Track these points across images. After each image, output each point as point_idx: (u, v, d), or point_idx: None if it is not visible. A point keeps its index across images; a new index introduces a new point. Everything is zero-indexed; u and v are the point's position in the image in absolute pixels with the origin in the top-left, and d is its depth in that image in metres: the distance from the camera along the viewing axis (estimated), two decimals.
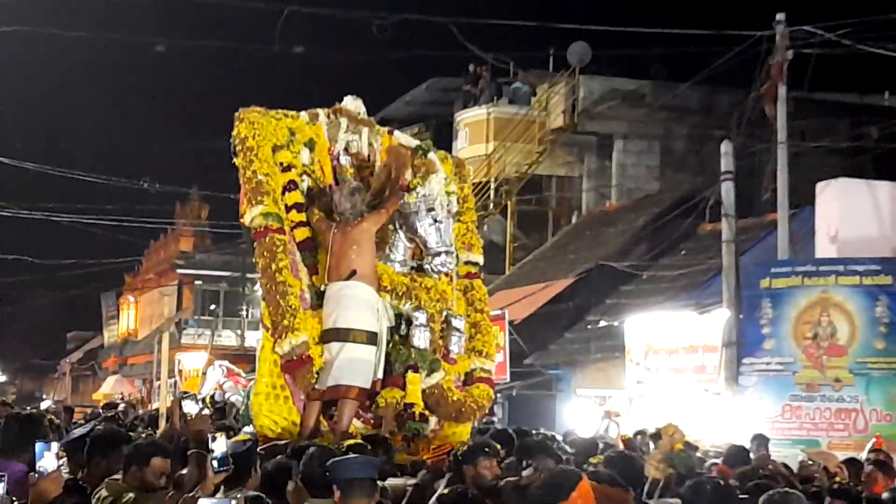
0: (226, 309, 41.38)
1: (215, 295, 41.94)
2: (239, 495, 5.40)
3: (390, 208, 9.18)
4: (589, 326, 21.91)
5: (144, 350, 41.67)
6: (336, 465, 5.49)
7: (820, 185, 16.69)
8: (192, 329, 41.05)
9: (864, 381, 14.72)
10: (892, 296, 14.72)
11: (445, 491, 6.47)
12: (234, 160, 9.04)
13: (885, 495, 7.48)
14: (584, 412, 18.45)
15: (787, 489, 5.55)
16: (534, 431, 11.41)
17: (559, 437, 12.74)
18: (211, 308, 40.85)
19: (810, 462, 10.55)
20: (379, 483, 6.22)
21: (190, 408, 6.76)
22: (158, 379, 25.75)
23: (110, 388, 42.10)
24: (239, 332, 38.71)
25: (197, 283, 43.18)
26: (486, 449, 7.63)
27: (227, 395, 14.86)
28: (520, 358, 21.19)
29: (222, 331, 40.94)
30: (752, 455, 10.64)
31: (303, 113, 9.55)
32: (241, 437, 6.89)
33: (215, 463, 5.26)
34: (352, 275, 8.73)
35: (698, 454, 10.96)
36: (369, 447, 7.26)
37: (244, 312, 36.95)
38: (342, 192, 9.07)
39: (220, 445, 5.34)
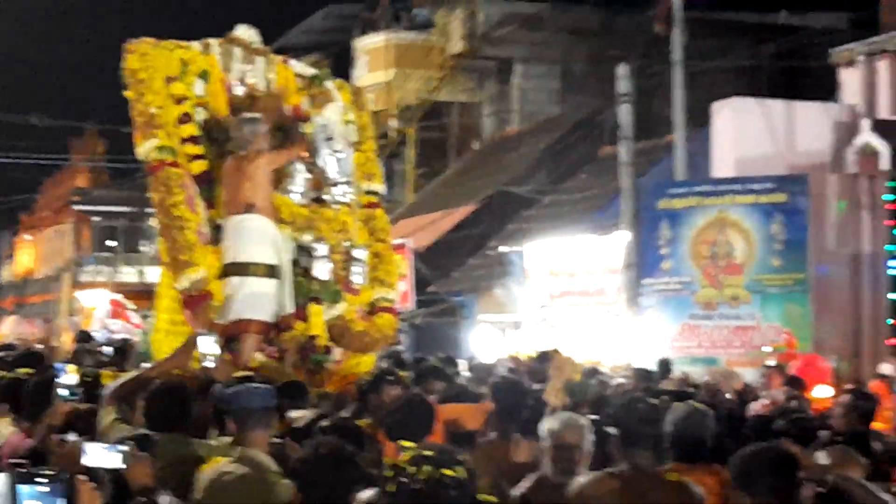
0: (125, 245, 40.88)
1: (113, 231, 41.38)
2: (129, 436, 5.36)
3: (292, 154, 9.04)
4: (491, 253, 22.04)
5: (43, 289, 41.00)
6: (231, 396, 5.43)
7: (716, 105, 16.84)
8: (92, 266, 40.51)
9: (760, 298, 15.02)
10: (787, 213, 15.00)
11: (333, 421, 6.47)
12: (126, 93, 8.83)
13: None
14: (487, 337, 18.64)
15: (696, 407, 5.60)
16: (431, 357, 11.50)
17: (463, 363, 12.91)
18: (109, 245, 40.28)
19: (714, 382, 10.74)
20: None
21: (207, 347, 6.68)
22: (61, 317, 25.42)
23: (9, 328, 41.37)
24: (139, 268, 38.28)
25: (95, 219, 42.52)
26: (390, 377, 7.67)
27: (115, 336, 14.62)
28: (424, 286, 21.27)
29: (122, 267, 40.46)
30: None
31: (195, 43, 9.32)
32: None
33: (65, 392, 5.41)
34: (249, 208, 8.61)
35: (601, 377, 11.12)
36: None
37: (144, 249, 36.55)
38: (236, 124, 8.93)
39: (70, 377, 5.62)
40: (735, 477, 4.48)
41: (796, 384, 9.97)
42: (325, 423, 6.21)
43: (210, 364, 6.58)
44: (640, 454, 5.03)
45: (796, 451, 4.79)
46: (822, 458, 5.21)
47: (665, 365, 12.14)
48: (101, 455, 4.61)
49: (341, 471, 4.38)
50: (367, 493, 4.18)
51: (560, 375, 6.98)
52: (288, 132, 9.23)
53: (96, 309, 19.12)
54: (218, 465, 5.18)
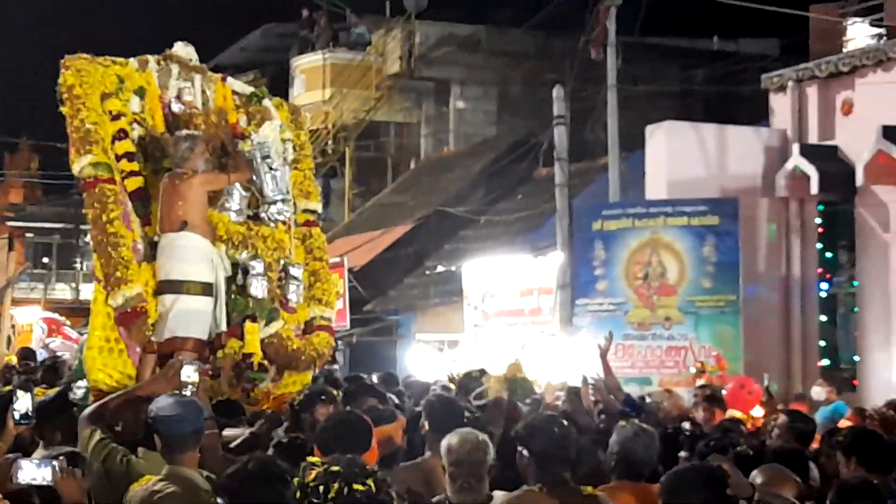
0: (59, 261, 40.51)
1: (48, 248, 41.00)
2: (57, 454, 5.37)
3: (231, 180, 9.01)
4: (427, 272, 22.13)
5: None
6: (161, 419, 5.47)
7: (649, 129, 17.02)
8: (25, 283, 40.03)
9: (692, 319, 15.19)
10: (718, 236, 15.20)
11: (284, 440, 6.51)
12: (62, 109, 8.79)
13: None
14: (424, 356, 18.67)
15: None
16: (365, 376, 11.54)
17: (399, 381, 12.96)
18: (44, 261, 39.85)
19: (656, 403, 10.82)
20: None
21: (188, 375, 6.68)
22: None
23: None
24: (73, 284, 37.91)
25: (28, 235, 42.07)
26: (323, 396, 7.69)
27: (57, 354, 14.51)
28: (360, 304, 21.28)
29: (56, 284, 40.06)
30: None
31: (132, 60, 9.29)
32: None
33: (17, 415, 5.45)
34: (183, 226, 8.59)
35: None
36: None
37: (78, 265, 36.21)
38: (174, 141, 8.92)
39: (23, 402, 5.62)
40: (663, 494, 4.52)
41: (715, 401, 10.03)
42: (283, 439, 6.28)
43: (188, 392, 6.59)
44: (555, 473, 5.10)
45: (727, 469, 4.85)
46: (755, 476, 5.29)
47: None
48: (33, 471, 4.62)
49: (270, 487, 4.39)
50: None
51: (510, 372, 7.06)
52: (231, 156, 9.22)
53: (34, 327, 18.91)
54: (148, 484, 5.20)
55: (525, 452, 5.25)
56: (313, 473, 3.50)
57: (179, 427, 5.41)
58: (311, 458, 3.82)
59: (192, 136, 8.99)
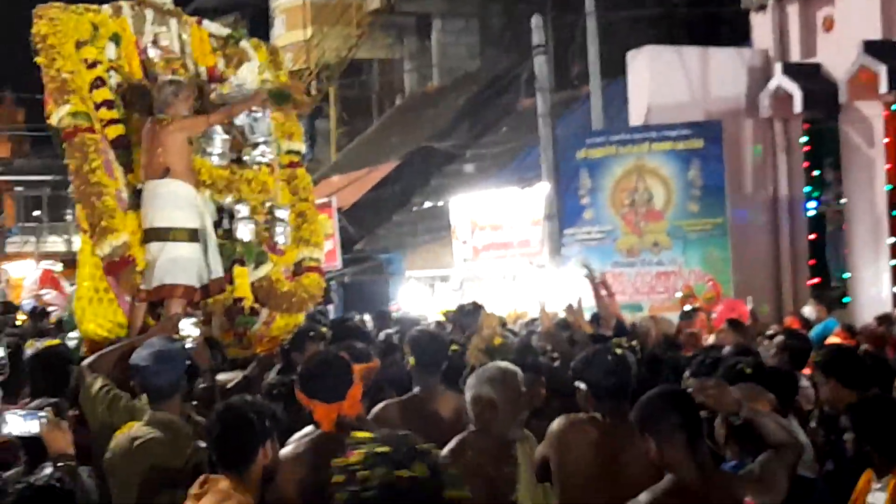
0: (50, 214, 40.44)
1: (38, 201, 40.92)
2: (43, 404, 5.42)
3: (210, 121, 8.91)
4: (415, 208, 22.13)
5: None
6: (142, 370, 5.51)
7: (630, 54, 16.95)
8: (17, 237, 40.04)
9: (681, 243, 15.24)
10: (704, 159, 15.20)
11: (274, 382, 6.54)
12: (36, 59, 8.71)
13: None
14: (416, 293, 18.73)
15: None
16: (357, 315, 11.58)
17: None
18: (34, 214, 39.76)
19: (643, 326, 10.86)
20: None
21: (188, 329, 6.70)
22: None
23: None
24: (66, 236, 37.87)
25: (17, 189, 41.99)
26: (311, 333, 7.71)
27: (50, 310, 14.50)
28: (350, 244, 21.32)
29: (48, 237, 40.02)
30: None
31: (105, 6, 9.18)
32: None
33: None
34: (165, 172, 8.55)
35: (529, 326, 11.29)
36: None
37: (70, 217, 36.13)
38: (158, 86, 8.85)
39: None
40: (638, 422, 4.51)
41: (737, 326, 10.00)
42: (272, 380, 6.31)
43: (190, 345, 6.61)
44: (611, 405, 5.10)
45: (715, 384, 4.82)
46: (734, 392, 5.30)
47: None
48: (19, 423, 4.66)
49: (244, 431, 4.42)
50: None
51: (482, 336, 7.08)
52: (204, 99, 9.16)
53: (25, 279, 18.90)
54: (130, 431, 5.26)
55: (582, 386, 5.21)
56: (357, 454, 3.06)
57: (157, 378, 5.45)
58: (356, 434, 3.29)
59: (177, 81, 8.90)
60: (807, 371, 7.01)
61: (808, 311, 13.52)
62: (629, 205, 15.37)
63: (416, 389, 6.48)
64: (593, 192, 15.58)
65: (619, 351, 5.36)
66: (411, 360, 6.60)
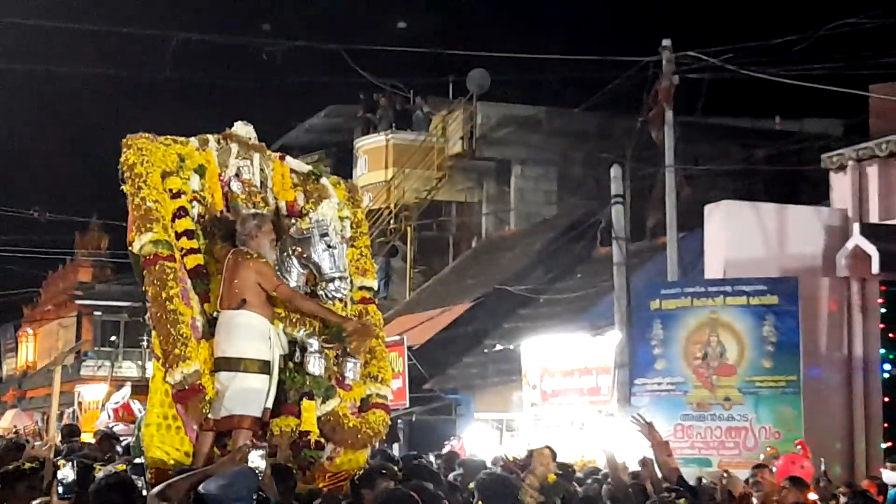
0: (126, 340, 40.99)
1: (115, 326, 41.55)
2: None
3: (280, 291, 9.00)
4: (486, 350, 22.09)
5: (43, 383, 41.01)
6: (207, 498, 5.52)
7: (708, 208, 17.02)
8: (92, 361, 40.57)
9: (752, 399, 15.03)
10: (778, 315, 15.07)
11: None
12: (123, 187, 8.96)
13: None
14: (483, 435, 18.60)
15: None
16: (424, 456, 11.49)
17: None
18: (111, 339, 40.32)
19: (713, 484, 10.66)
20: None
21: (256, 461, 6.71)
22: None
23: (9, 421, 41.37)
24: (140, 362, 38.26)
25: (97, 314, 42.69)
26: (384, 471, 7.69)
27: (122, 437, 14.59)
28: (419, 383, 21.30)
29: (123, 362, 40.49)
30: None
31: (192, 139, 9.45)
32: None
33: (60, 489, 5.50)
34: (242, 303, 8.69)
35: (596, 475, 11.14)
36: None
37: (145, 343, 36.54)
38: (242, 218, 9.04)
39: (66, 473, 5.74)
40: None
41: (798, 483, 9.86)
42: None
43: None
44: None
45: None
46: None
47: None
48: None
49: None
50: None
51: (535, 474, 7.03)
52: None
53: (101, 405, 19.02)
54: None
55: None
56: None
57: None
58: None
59: (260, 214, 9.11)
60: None
61: (889, 475, 13.17)
62: (701, 358, 15.25)
63: None
64: (666, 343, 15.49)
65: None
66: (479, 502, 6.55)
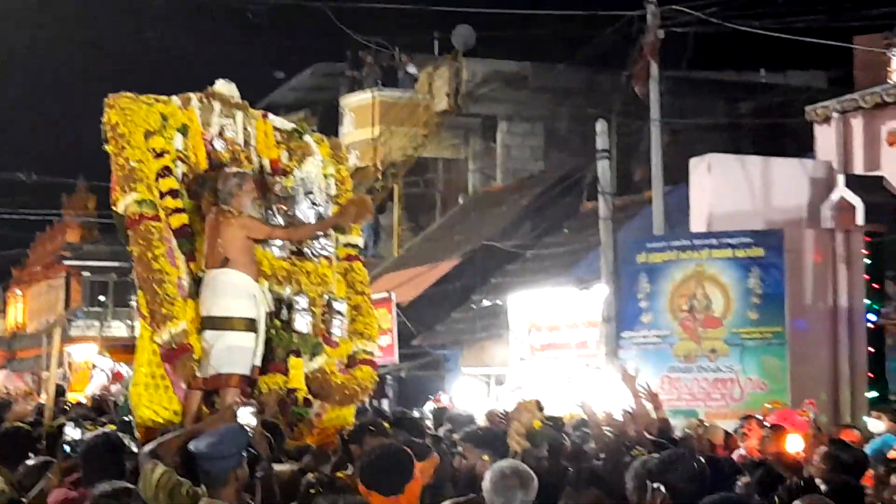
0: (115, 300, 40.98)
1: (104, 286, 41.53)
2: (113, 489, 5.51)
3: (274, 234, 9.09)
4: (474, 306, 22.18)
5: (33, 344, 40.97)
6: (196, 455, 5.56)
7: (693, 161, 17.03)
8: (81, 321, 40.60)
9: (738, 351, 15.10)
10: (764, 267, 15.13)
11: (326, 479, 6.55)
12: (106, 147, 8.94)
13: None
14: (470, 390, 18.72)
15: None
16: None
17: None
18: (100, 299, 40.31)
19: (690, 433, 10.77)
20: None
21: (245, 418, 6.73)
22: (47, 371, 25.39)
23: None
24: (129, 322, 38.27)
25: (85, 274, 42.66)
26: (372, 427, 7.74)
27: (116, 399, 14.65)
28: (408, 339, 21.39)
29: (112, 322, 40.51)
30: None
31: (174, 98, 9.40)
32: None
33: (67, 448, 5.55)
34: (225, 262, 8.70)
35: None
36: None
37: (134, 303, 36.52)
38: (224, 176, 9.04)
39: (71, 432, 5.85)
40: None
41: (777, 430, 9.96)
42: (310, 478, 6.31)
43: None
44: None
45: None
46: None
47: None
48: None
49: None
50: None
51: (521, 422, 7.09)
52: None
53: (96, 373, 19.01)
54: None
55: (662, 488, 5.09)
56: None
57: (214, 465, 5.50)
58: None
59: (241, 173, 9.11)
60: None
61: (874, 423, 13.23)
62: (687, 310, 15.32)
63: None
64: (652, 296, 15.55)
65: (701, 458, 5.25)
66: (485, 457, 6.60)
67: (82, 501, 5.75)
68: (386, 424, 7.85)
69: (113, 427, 6.99)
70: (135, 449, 6.43)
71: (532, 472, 5.46)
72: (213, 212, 8.86)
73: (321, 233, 9.45)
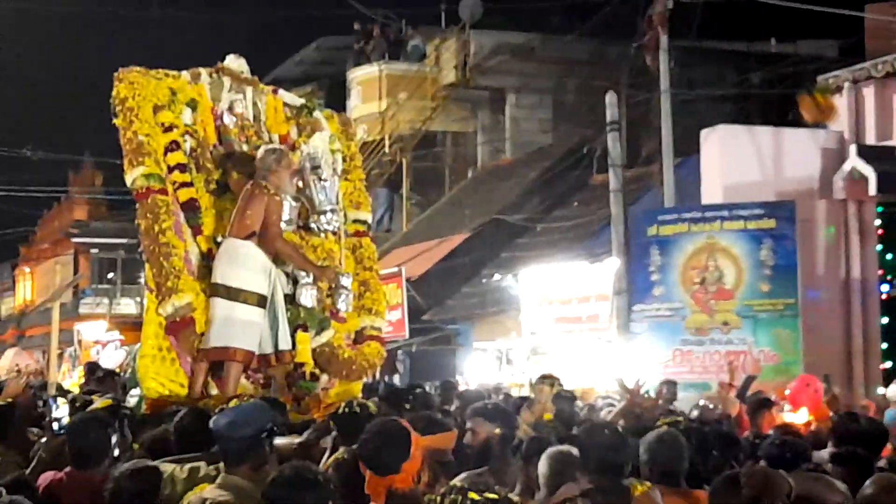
0: (124, 277, 41.00)
1: (112, 263, 41.53)
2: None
3: (281, 249, 8.96)
4: (484, 280, 22.11)
5: (42, 321, 41.03)
6: (214, 432, 5.50)
7: (704, 133, 16.94)
8: (91, 298, 40.61)
9: (751, 323, 15.05)
10: (775, 239, 15.06)
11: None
12: (115, 121, 8.90)
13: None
14: (482, 364, 18.68)
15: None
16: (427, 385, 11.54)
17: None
18: (108, 276, 40.32)
19: (710, 406, 10.69)
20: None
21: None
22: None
23: (9, 360, 41.41)
24: (138, 299, 38.26)
25: (93, 251, 42.66)
26: (357, 408, 7.65)
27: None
28: (418, 314, 21.34)
29: (121, 299, 40.53)
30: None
31: (184, 72, 9.39)
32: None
33: (56, 425, 5.50)
34: (250, 236, 8.67)
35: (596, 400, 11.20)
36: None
37: (142, 279, 36.55)
38: (263, 152, 8.98)
39: (61, 411, 5.79)
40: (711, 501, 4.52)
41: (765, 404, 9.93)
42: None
43: None
44: (604, 478, 5.08)
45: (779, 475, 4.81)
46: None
47: (673, 386, 12.30)
48: None
49: (306, 492, 4.42)
50: None
51: (533, 411, 7.08)
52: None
53: (109, 348, 19.03)
54: (203, 492, 5.25)
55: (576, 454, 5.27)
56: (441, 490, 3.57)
57: (229, 444, 5.43)
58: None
59: (279, 149, 9.06)
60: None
61: (893, 391, 13.08)
62: (699, 283, 15.24)
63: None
64: (663, 269, 15.48)
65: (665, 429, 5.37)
66: (497, 430, 6.57)
67: (68, 482, 5.68)
68: (370, 404, 7.68)
69: (108, 402, 6.85)
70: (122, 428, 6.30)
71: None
72: (250, 184, 8.81)
73: (328, 207, 9.37)
